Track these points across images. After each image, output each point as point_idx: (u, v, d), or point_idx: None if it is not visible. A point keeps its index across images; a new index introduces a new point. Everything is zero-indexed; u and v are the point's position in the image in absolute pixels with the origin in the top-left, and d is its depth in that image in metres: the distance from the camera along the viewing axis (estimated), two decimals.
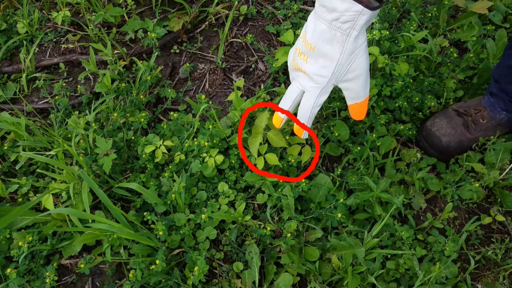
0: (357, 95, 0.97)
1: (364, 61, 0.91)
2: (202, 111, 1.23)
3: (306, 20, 1.66)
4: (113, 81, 1.41)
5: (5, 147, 1.21)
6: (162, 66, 1.53)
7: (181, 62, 1.59)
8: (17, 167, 1.18)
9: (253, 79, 1.55)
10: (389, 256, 1.06)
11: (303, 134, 1.02)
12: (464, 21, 1.66)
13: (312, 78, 0.94)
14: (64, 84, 1.37)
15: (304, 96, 0.98)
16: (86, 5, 1.62)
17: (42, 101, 1.42)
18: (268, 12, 1.72)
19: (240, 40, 1.64)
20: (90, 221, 0.98)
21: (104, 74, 1.35)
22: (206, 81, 1.53)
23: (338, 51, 0.87)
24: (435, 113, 1.39)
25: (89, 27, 1.54)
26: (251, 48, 1.64)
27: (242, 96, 1.48)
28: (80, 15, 1.68)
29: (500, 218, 1.14)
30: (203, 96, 1.29)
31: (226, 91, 1.51)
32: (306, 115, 0.98)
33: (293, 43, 1.46)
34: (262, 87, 1.50)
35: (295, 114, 1.03)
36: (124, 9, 1.63)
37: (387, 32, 1.49)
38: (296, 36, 1.50)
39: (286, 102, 1.03)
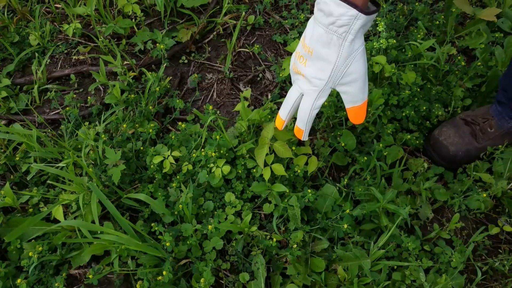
0: (355, 99, 0.97)
1: (361, 65, 0.92)
2: (210, 122, 1.24)
3: None
4: (122, 92, 1.42)
5: (17, 158, 1.23)
6: (171, 77, 1.55)
7: (190, 72, 1.60)
8: (28, 178, 1.20)
9: (260, 88, 1.56)
10: (395, 267, 1.06)
11: (303, 137, 1.04)
12: (472, 28, 1.65)
13: (310, 81, 0.95)
14: (74, 95, 1.39)
15: (302, 98, 1.00)
16: (96, 17, 1.64)
17: (53, 112, 1.45)
18: (275, 22, 1.73)
19: (247, 50, 1.65)
20: (99, 231, 0.99)
21: (114, 86, 1.37)
22: (214, 90, 1.54)
23: (335, 55, 0.89)
24: (443, 121, 1.38)
25: (99, 39, 1.57)
26: (258, 57, 1.65)
27: (249, 106, 1.49)
28: (91, 27, 1.71)
29: (508, 228, 1.13)
30: (211, 107, 1.30)
31: (233, 100, 1.52)
32: (305, 117, 1.00)
33: None
34: (269, 96, 1.51)
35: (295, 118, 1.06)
36: (133, 20, 1.65)
37: (394, 41, 1.48)
38: None
39: (286, 105, 1.05)
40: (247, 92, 1.37)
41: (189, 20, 1.72)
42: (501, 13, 1.70)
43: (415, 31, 1.58)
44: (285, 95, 1.50)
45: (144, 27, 1.67)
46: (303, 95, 1.00)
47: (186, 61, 1.62)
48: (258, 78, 1.59)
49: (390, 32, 1.59)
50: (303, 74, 0.97)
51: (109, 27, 1.56)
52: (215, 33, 1.71)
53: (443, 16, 1.64)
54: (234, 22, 1.69)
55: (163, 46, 1.49)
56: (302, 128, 1.02)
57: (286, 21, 1.72)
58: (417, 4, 1.66)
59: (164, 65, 1.48)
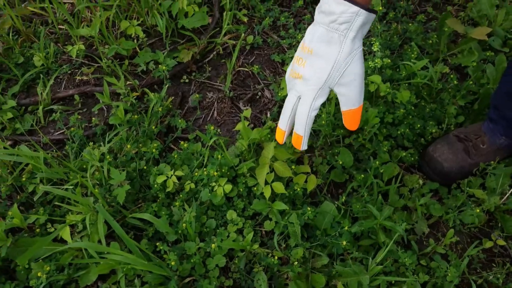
0: (351, 101, 0.96)
1: (359, 66, 0.93)
2: (211, 142, 1.27)
3: None
4: (125, 111, 1.46)
5: (24, 179, 1.26)
6: (173, 96, 1.59)
7: (191, 91, 1.64)
8: (35, 199, 1.22)
9: (260, 106, 1.59)
10: (393, 282, 1.09)
11: (302, 146, 1.00)
12: (464, 46, 1.70)
13: (308, 80, 0.94)
14: (79, 116, 1.42)
15: (300, 102, 0.98)
16: (99, 38, 1.68)
17: (58, 132, 1.48)
18: (274, 41, 1.78)
19: (246, 69, 1.69)
20: (105, 252, 1.02)
21: (118, 106, 1.40)
22: (214, 109, 1.58)
23: (336, 52, 0.90)
24: (437, 138, 1.42)
25: (103, 60, 1.60)
26: (257, 76, 1.69)
27: (249, 124, 1.53)
28: (94, 47, 1.75)
29: (501, 242, 1.17)
30: (212, 127, 1.33)
31: (233, 119, 1.56)
32: (303, 121, 0.97)
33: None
34: (268, 114, 1.55)
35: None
36: (135, 41, 1.69)
37: (389, 60, 1.53)
38: None
39: (285, 113, 1.03)
40: (247, 111, 1.40)
41: (190, 41, 1.76)
42: (492, 31, 1.75)
43: (409, 50, 1.62)
44: None
45: (146, 47, 1.71)
46: (300, 98, 0.98)
47: (187, 81, 1.66)
48: (257, 97, 1.63)
49: (385, 51, 1.64)
50: (302, 75, 0.95)
51: (112, 49, 1.60)
52: (215, 52, 1.75)
53: (436, 35, 1.69)
54: (234, 42, 1.74)
55: (165, 68, 1.53)
56: (301, 134, 0.99)
57: (284, 40, 1.77)
58: (410, 24, 1.71)
59: (167, 85, 1.52)
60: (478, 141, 1.33)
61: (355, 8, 0.84)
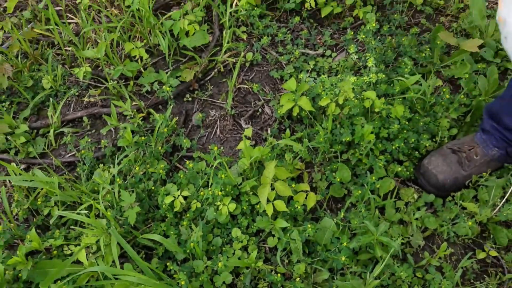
0: None
1: None
2: (214, 161, 1.33)
3: (308, 63, 1.76)
4: (132, 132, 1.52)
5: (39, 202, 1.32)
6: (177, 115, 1.65)
7: (194, 109, 1.70)
8: (51, 221, 1.29)
9: (260, 123, 1.65)
10: None
11: None
12: (457, 58, 1.75)
13: (507, 21, 0.99)
14: (89, 139, 1.48)
15: (505, 43, 1.03)
16: (104, 59, 1.74)
17: (69, 154, 1.54)
18: (272, 58, 1.83)
19: (247, 86, 1.75)
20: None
21: (125, 128, 1.46)
22: (217, 127, 1.64)
23: None
24: (431, 151, 1.47)
25: (109, 82, 1.66)
26: (257, 93, 1.75)
27: (251, 141, 1.59)
28: (100, 68, 1.81)
29: (493, 253, 1.22)
30: (216, 148, 1.39)
31: (236, 136, 1.61)
32: None
33: (296, 90, 1.56)
34: (269, 131, 1.61)
35: None
36: (140, 61, 1.75)
37: (383, 75, 1.58)
38: (298, 83, 1.60)
39: None
40: (248, 130, 1.46)
41: (192, 59, 1.81)
42: (484, 42, 1.80)
43: (403, 64, 1.67)
44: (284, 130, 1.60)
45: (150, 67, 1.77)
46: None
47: (190, 99, 1.72)
48: (258, 113, 1.69)
49: (379, 65, 1.69)
50: (503, 17, 0.99)
51: (117, 70, 1.66)
52: (216, 70, 1.81)
53: (429, 48, 1.74)
54: (234, 60, 1.79)
55: (169, 89, 1.59)
56: None
57: (282, 57, 1.82)
58: (403, 39, 1.75)
59: (171, 106, 1.58)
60: (471, 152, 1.38)
61: None
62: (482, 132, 1.39)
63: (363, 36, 1.74)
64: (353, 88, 1.56)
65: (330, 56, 1.86)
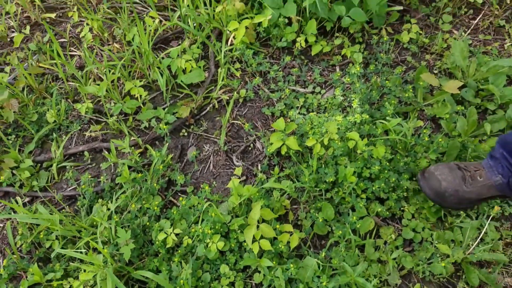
0: None
1: None
2: (204, 200, 1.41)
3: (298, 100, 1.84)
4: (130, 167, 1.60)
5: (41, 236, 1.40)
6: (173, 150, 1.73)
7: (189, 144, 1.78)
8: (52, 255, 1.36)
9: (252, 158, 1.73)
10: None
11: None
12: (439, 97, 1.83)
13: None
14: (89, 176, 1.56)
15: None
16: (106, 95, 1.83)
17: (70, 188, 1.62)
18: (265, 94, 1.91)
19: (239, 122, 1.83)
20: None
21: (124, 164, 1.54)
22: (210, 162, 1.72)
23: None
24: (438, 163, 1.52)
25: (109, 119, 1.75)
26: (252, 126, 1.83)
27: (242, 175, 1.66)
28: (101, 103, 1.89)
29: None
30: (207, 187, 1.47)
31: (228, 171, 1.69)
32: None
33: (284, 129, 1.65)
34: (259, 167, 1.68)
35: None
36: (139, 98, 1.83)
37: (367, 116, 1.67)
38: (287, 123, 1.68)
39: None
40: (238, 170, 1.54)
41: (188, 96, 1.90)
42: (465, 82, 1.88)
43: (387, 103, 1.76)
44: (273, 167, 1.68)
45: (148, 103, 1.85)
46: None
47: (186, 134, 1.80)
48: (250, 148, 1.77)
49: (364, 106, 1.77)
50: None
51: (117, 107, 1.75)
52: (211, 106, 1.90)
53: (411, 88, 1.83)
54: (227, 97, 1.88)
55: (165, 127, 1.67)
56: None
57: (274, 94, 1.91)
58: (387, 81, 1.84)
59: (167, 144, 1.66)
60: (476, 173, 1.41)
61: None
62: (490, 159, 1.42)
63: (348, 80, 1.82)
64: (338, 128, 1.64)
65: (320, 93, 1.95)
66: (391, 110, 1.70)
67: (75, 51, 2.17)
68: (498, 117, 1.73)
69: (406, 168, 1.58)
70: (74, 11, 2.23)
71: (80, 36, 2.20)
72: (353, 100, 1.74)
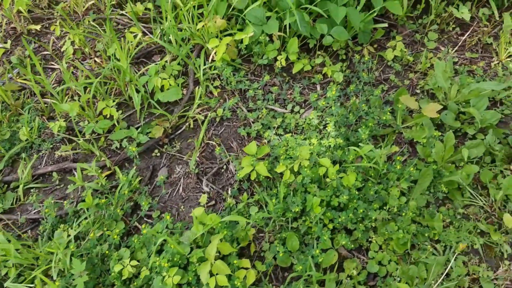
0: None
1: None
2: (170, 222, 1.36)
3: (276, 119, 1.78)
4: (97, 191, 1.56)
5: None
6: (143, 176, 1.68)
7: (161, 165, 1.74)
8: (5, 284, 1.33)
9: (223, 181, 1.68)
10: None
11: None
12: (418, 120, 1.76)
13: None
14: (52, 201, 1.52)
15: None
16: (80, 112, 1.79)
17: (34, 211, 1.59)
18: (242, 114, 1.86)
19: (214, 143, 1.78)
20: None
21: (90, 187, 1.50)
22: (180, 185, 1.67)
23: None
24: None
25: (80, 140, 1.70)
26: (224, 149, 1.77)
27: (211, 199, 1.61)
28: (76, 121, 1.85)
29: None
30: (168, 216, 1.43)
31: (197, 194, 1.64)
32: None
33: (256, 153, 1.59)
34: (229, 191, 1.63)
35: None
36: (115, 116, 1.78)
37: (341, 140, 1.60)
38: (258, 147, 1.63)
39: None
40: (203, 197, 1.49)
41: (164, 115, 1.85)
42: (446, 105, 1.81)
43: (364, 126, 1.69)
44: (243, 192, 1.62)
45: (122, 122, 1.81)
46: None
47: (158, 154, 1.76)
48: (222, 170, 1.71)
49: (340, 128, 1.71)
50: None
51: (88, 127, 1.71)
52: (187, 124, 1.84)
53: (390, 111, 1.76)
54: (202, 118, 1.83)
55: (135, 149, 1.63)
56: None
57: (251, 114, 1.85)
58: (364, 105, 1.77)
59: (134, 167, 1.61)
60: None
61: None
62: None
63: (324, 103, 1.76)
64: (310, 153, 1.59)
65: (298, 112, 1.89)
66: (365, 135, 1.63)
67: (55, 66, 2.14)
68: (476, 142, 1.66)
69: (377, 196, 1.51)
70: (56, 25, 2.19)
71: (62, 50, 2.16)
72: (328, 123, 1.68)
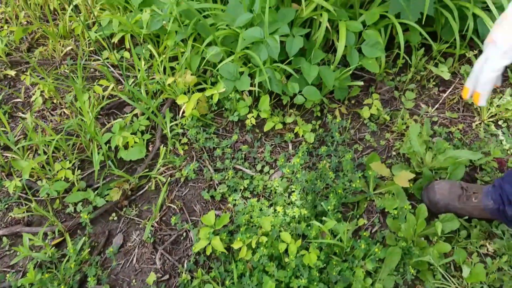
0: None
1: None
2: None
3: (243, 180, 1.68)
4: (44, 261, 1.45)
5: None
6: (95, 244, 1.57)
7: (118, 229, 1.63)
8: None
9: (180, 252, 1.57)
10: None
11: (480, 101, 1.04)
12: (390, 187, 1.66)
13: (496, 43, 0.97)
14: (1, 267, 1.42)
15: (485, 63, 1.01)
16: (39, 171, 1.70)
17: None
18: (209, 175, 1.76)
19: (175, 207, 1.68)
20: None
21: (33, 258, 1.40)
22: (134, 255, 1.56)
23: None
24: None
25: (38, 199, 1.61)
26: (186, 213, 1.67)
27: (165, 272, 1.50)
28: (34, 178, 1.76)
29: None
30: None
31: (152, 266, 1.53)
32: (482, 79, 1.01)
33: (214, 224, 1.49)
34: (185, 265, 1.52)
35: None
36: (73, 175, 1.69)
37: (306, 211, 1.50)
38: (218, 217, 1.53)
39: (472, 75, 1.06)
40: (151, 277, 1.39)
41: (129, 169, 1.76)
42: (420, 172, 1.71)
43: (332, 195, 1.59)
44: (200, 266, 1.52)
45: (81, 182, 1.71)
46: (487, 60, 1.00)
47: (116, 218, 1.65)
48: (182, 238, 1.61)
49: (307, 196, 1.61)
50: (493, 39, 0.98)
51: (43, 189, 1.61)
52: (150, 183, 1.75)
53: (359, 179, 1.66)
54: (164, 180, 1.73)
55: (87, 217, 1.53)
56: (479, 91, 1.03)
57: (216, 175, 1.75)
58: (331, 172, 1.67)
59: (86, 236, 1.51)
60: (473, 195, 1.50)
61: None
62: (492, 186, 1.47)
63: (288, 171, 1.66)
64: (272, 226, 1.48)
65: (268, 172, 1.79)
66: (331, 206, 1.53)
67: (22, 116, 2.06)
68: (451, 216, 1.55)
69: (341, 277, 1.40)
70: (27, 74, 2.13)
71: (31, 100, 2.09)
72: (293, 193, 1.58)
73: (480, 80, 1.03)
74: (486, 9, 1.91)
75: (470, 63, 2.17)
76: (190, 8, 1.78)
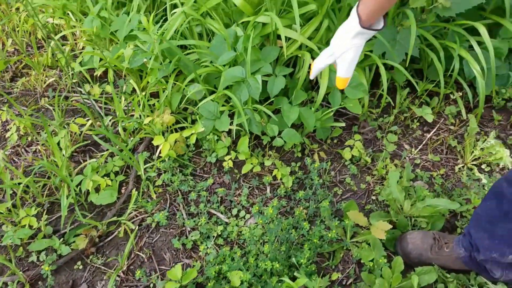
0: (341, 72, 1.19)
1: (351, 54, 1.15)
2: None
3: (218, 226, 1.59)
4: None
5: None
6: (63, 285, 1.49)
7: (82, 279, 1.54)
8: None
9: None
10: None
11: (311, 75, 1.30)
12: (367, 236, 1.58)
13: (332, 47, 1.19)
14: None
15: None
16: (6, 215, 1.62)
17: None
18: (181, 221, 1.68)
19: (144, 255, 1.59)
20: None
21: None
22: None
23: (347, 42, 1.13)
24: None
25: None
26: (155, 262, 1.59)
27: None
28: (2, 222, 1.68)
29: None
30: None
31: None
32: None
33: (181, 279, 1.40)
34: None
35: None
36: (37, 222, 1.61)
37: (278, 265, 1.42)
38: (186, 269, 1.44)
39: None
40: None
41: (98, 213, 1.68)
42: (398, 218, 1.63)
43: (306, 245, 1.51)
44: None
45: (47, 228, 1.63)
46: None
47: (81, 267, 1.56)
48: None
49: (280, 247, 1.52)
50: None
51: (6, 237, 1.53)
52: (120, 229, 1.66)
53: (336, 226, 1.58)
54: (133, 227, 1.65)
55: (48, 268, 1.44)
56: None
57: (189, 222, 1.67)
58: (305, 223, 1.57)
59: None
60: (445, 245, 1.47)
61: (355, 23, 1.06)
62: (462, 234, 1.45)
63: (260, 221, 1.58)
64: (241, 282, 1.40)
65: (244, 217, 1.71)
66: (304, 260, 1.44)
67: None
68: (428, 268, 1.46)
69: None
70: (3, 110, 2.06)
71: (6, 136, 2.02)
72: (265, 245, 1.49)
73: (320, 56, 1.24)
74: (471, 48, 1.85)
75: (455, 103, 2.11)
76: (171, 46, 1.72)
